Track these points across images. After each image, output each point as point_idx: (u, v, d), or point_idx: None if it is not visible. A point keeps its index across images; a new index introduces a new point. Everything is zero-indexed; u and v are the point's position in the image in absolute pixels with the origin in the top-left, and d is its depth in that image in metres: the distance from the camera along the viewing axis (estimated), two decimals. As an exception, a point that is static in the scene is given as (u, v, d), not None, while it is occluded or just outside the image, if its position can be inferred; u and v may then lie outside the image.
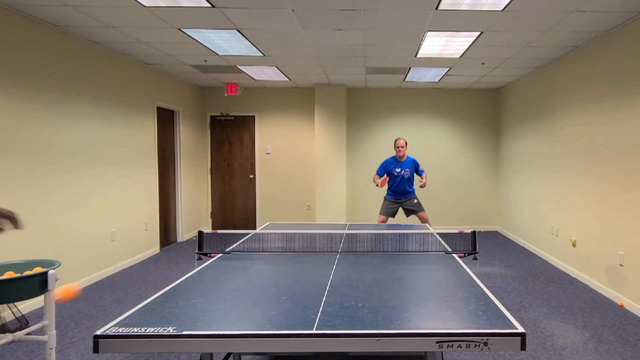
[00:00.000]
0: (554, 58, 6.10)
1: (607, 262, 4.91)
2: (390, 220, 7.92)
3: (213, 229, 8.97)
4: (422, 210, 6.30)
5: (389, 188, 6.35)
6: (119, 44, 5.48)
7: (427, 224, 5.18)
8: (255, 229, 8.90)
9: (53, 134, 4.70)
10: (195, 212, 8.59)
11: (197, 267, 2.91)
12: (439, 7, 4.13)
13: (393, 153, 8.75)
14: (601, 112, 5.02)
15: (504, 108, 8.48)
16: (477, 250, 3.42)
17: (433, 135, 8.87)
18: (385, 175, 6.31)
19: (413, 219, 8.24)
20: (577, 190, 5.57)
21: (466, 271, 2.75)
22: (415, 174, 6.38)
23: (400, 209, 6.53)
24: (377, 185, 6.12)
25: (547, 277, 5.56)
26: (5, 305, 4.10)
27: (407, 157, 6.32)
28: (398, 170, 6.20)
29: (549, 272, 5.79)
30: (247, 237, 3.96)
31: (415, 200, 6.31)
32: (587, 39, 5.13)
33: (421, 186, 6.10)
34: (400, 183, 6.27)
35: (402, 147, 6.15)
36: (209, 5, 4.09)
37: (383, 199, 6.46)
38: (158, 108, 7.12)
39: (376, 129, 8.86)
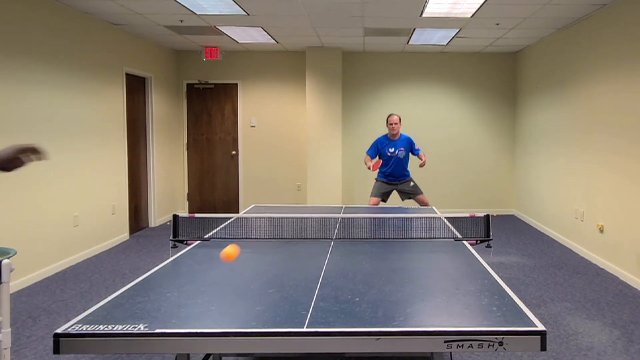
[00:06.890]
0: (578, 18, 6.06)
1: (639, 250, 4.95)
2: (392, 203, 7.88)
3: (190, 212, 8.95)
4: (421, 192, 6.27)
5: (380, 171, 6.29)
6: (81, 2, 5.37)
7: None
8: (237, 212, 8.88)
9: (4, 104, 4.62)
10: (169, 193, 8.56)
11: (171, 255, 2.90)
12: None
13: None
14: (632, 78, 5.00)
15: (522, 75, 8.46)
16: (491, 237, 3.43)
17: (441, 106, 8.84)
18: (378, 157, 6.22)
19: (409, 203, 8.20)
20: (605, 168, 5.58)
21: (478, 261, 2.76)
22: (410, 154, 6.29)
23: (395, 193, 6.46)
24: (370, 169, 6.01)
25: (570, 268, 5.61)
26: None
27: (401, 135, 6.25)
28: (391, 150, 6.12)
29: (572, 262, 5.84)
30: (228, 221, 3.96)
31: (412, 183, 6.29)
32: (618, -5, 5.10)
33: (421, 165, 6.07)
34: (394, 165, 6.21)
35: (395, 123, 6.07)
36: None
37: (375, 180, 6.41)
38: (127, 75, 7.03)
39: (376, 98, 8.81)
